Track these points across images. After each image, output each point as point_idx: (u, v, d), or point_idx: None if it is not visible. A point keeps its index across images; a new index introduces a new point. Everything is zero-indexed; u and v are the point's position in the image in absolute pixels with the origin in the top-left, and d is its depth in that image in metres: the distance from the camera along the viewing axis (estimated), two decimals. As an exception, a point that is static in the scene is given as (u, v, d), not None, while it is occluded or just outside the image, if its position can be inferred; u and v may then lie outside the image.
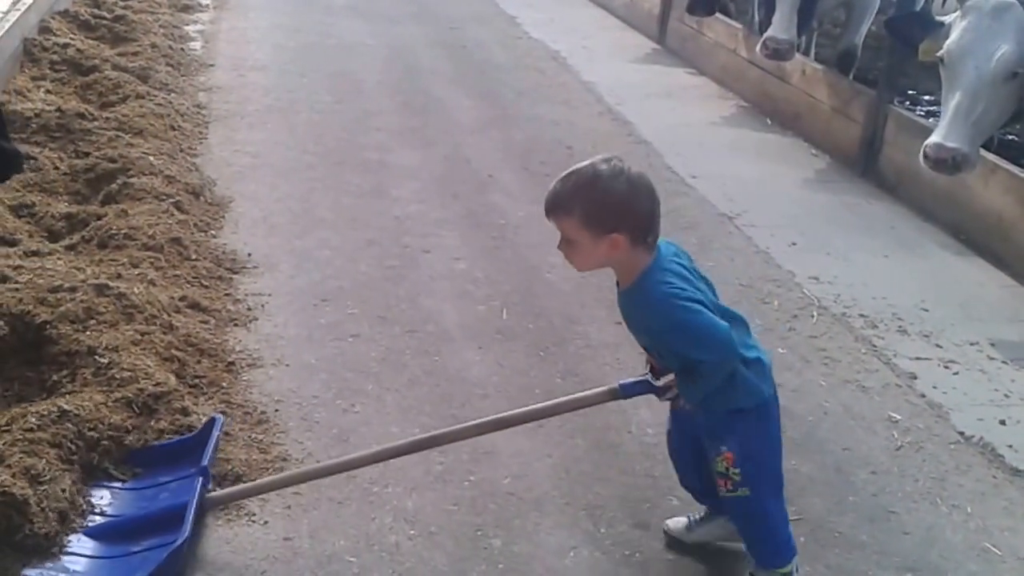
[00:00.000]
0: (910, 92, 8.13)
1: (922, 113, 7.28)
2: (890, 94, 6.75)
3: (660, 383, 3.02)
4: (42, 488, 3.10)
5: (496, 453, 3.70)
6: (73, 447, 3.34)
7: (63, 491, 3.17)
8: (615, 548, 3.31)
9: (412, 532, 3.31)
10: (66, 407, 3.45)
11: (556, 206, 2.85)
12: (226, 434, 3.61)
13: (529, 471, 3.64)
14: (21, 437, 3.26)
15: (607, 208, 2.79)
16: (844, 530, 3.48)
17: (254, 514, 3.32)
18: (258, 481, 3.38)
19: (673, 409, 3.18)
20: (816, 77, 7.48)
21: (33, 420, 3.35)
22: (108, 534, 3.17)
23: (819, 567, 3.30)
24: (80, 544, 3.11)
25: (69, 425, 3.37)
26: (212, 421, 3.47)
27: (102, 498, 3.31)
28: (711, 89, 8.77)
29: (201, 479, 3.22)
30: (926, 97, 8.00)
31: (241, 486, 3.36)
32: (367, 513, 3.37)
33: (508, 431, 3.67)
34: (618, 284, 3.01)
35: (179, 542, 2.97)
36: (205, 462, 3.28)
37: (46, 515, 3.06)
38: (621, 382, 3.10)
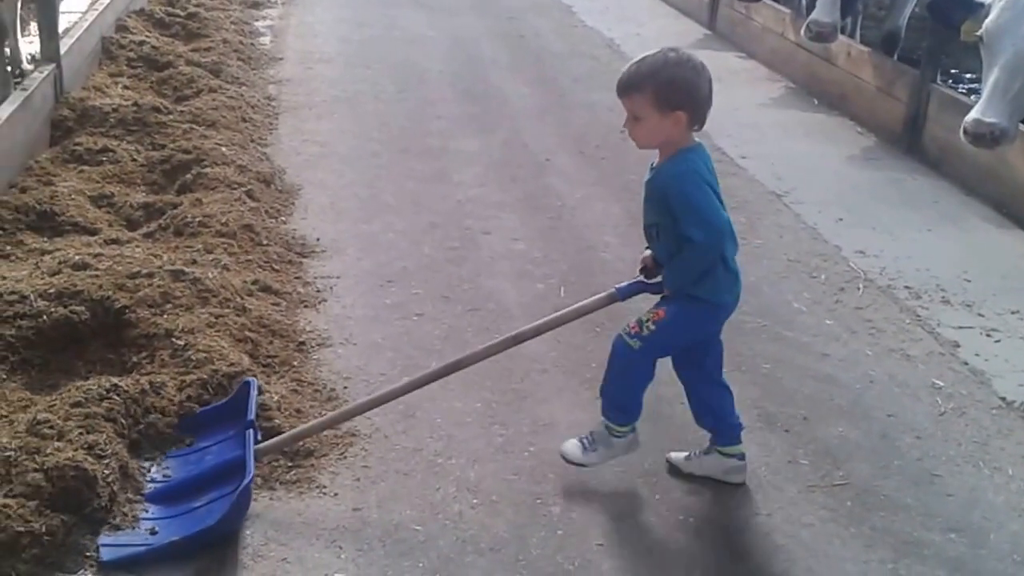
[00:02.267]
0: (952, 71, 8.10)
1: (964, 91, 7.26)
2: (933, 73, 6.77)
3: (652, 281, 3.34)
4: (104, 461, 3.21)
5: (555, 425, 3.80)
6: (124, 421, 3.46)
7: (122, 464, 3.30)
8: (669, 514, 3.40)
9: (475, 501, 3.40)
10: (118, 382, 3.56)
11: (629, 86, 3.21)
12: (297, 411, 3.72)
13: (586, 442, 3.76)
14: (77, 413, 3.38)
15: (675, 88, 3.16)
16: (889, 493, 3.54)
17: (325, 486, 3.41)
18: (298, 428, 3.50)
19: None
20: (861, 58, 7.51)
21: (79, 395, 3.47)
22: (167, 497, 3.31)
23: (864, 529, 3.36)
24: (143, 510, 3.25)
25: (117, 398, 3.49)
26: (247, 384, 3.56)
27: (153, 466, 3.45)
28: (760, 72, 8.79)
29: (251, 431, 3.34)
30: (967, 76, 7.96)
31: (284, 435, 3.47)
32: (432, 484, 3.47)
33: (567, 406, 3.89)
34: (652, 167, 3.33)
35: (247, 481, 3.10)
36: (251, 416, 3.39)
37: (111, 487, 3.18)
38: (617, 286, 3.39)
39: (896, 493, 3.56)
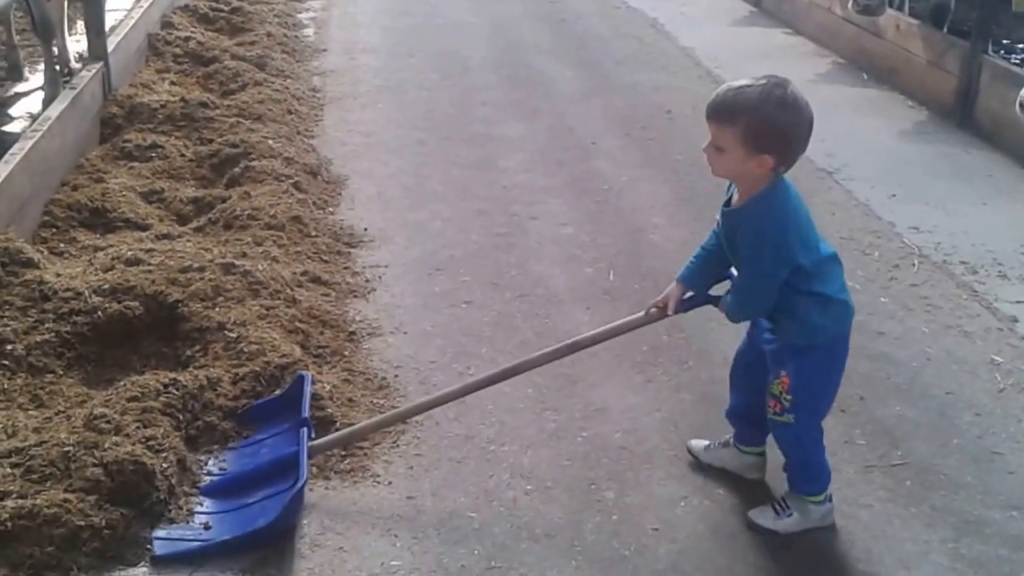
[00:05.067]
0: (1004, 41, 7.97)
1: (1017, 61, 7.16)
2: (984, 45, 6.66)
3: (713, 294, 3.20)
4: (162, 455, 3.25)
5: (607, 410, 3.79)
6: (181, 417, 3.50)
7: (180, 458, 3.33)
8: (725, 497, 3.38)
9: (529, 487, 3.40)
10: (177, 377, 3.60)
11: (720, 114, 2.92)
12: (349, 400, 3.73)
13: (639, 426, 3.71)
14: (134, 407, 3.42)
15: (771, 131, 2.87)
16: (949, 472, 3.51)
17: (379, 475, 3.43)
18: (353, 428, 3.50)
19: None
20: (910, 31, 7.41)
21: (136, 389, 3.51)
22: (221, 491, 3.33)
23: (924, 508, 3.33)
24: (198, 503, 3.28)
25: (174, 392, 3.53)
26: (300, 378, 3.59)
27: (209, 460, 3.47)
28: (808, 48, 8.70)
29: (305, 429, 3.35)
30: (1020, 46, 7.83)
31: (338, 433, 3.48)
32: (485, 471, 3.48)
33: (619, 390, 3.87)
34: (727, 203, 3.09)
35: (300, 484, 3.11)
36: (305, 414, 3.41)
37: (169, 481, 3.23)
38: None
39: (956, 471, 3.52)
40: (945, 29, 7.47)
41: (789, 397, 3.10)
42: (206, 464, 3.46)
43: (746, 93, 2.89)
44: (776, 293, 3.02)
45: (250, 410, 3.64)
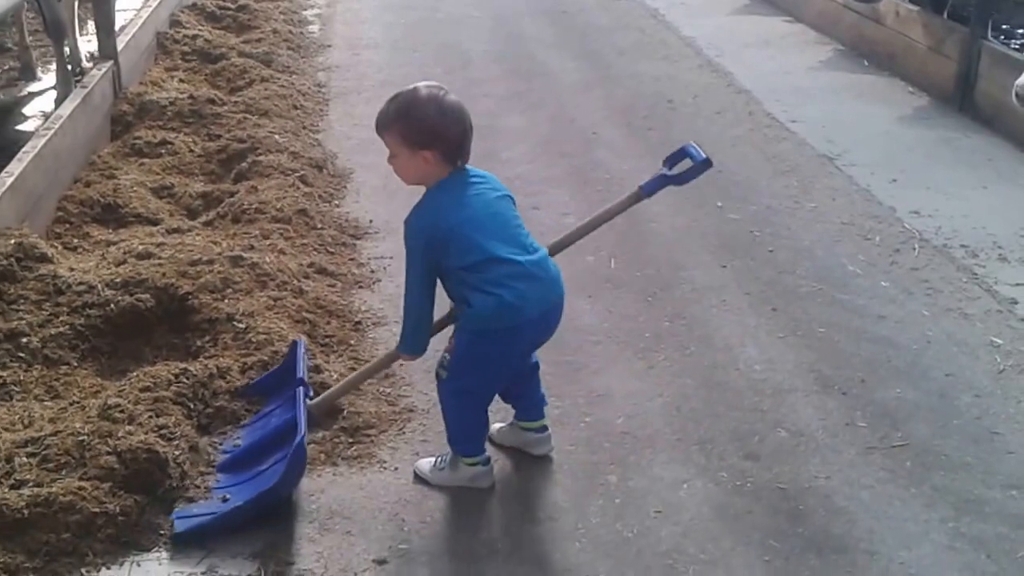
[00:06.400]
0: (1004, 27, 7.96)
1: (1016, 46, 7.16)
2: (983, 30, 6.67)
3: (674, 173, 3.39)
4: (174, 443, 3.34)
5: (609, 395, 3.82)
6: (192, 405, 3.58)
7: (192, 445, 3.42)
8: (727, 479, 3.40)
9: (533, 472, 3.44)
10: (187, 367, 3.68)
11: (380, 125, 3.30)
12: (356, 388, 3.75)
13: (641, 411, 3.74)
14: (147, 397, 3.51)
15: (421, 129, 3.20)
16: (949, 452, 3.53)
17: (385, 461, 3.47)
18: (347, 379, 3.60)
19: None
20: (910, 17, 7.43)
21: (148, 380, 3.59)
22: (237, 463, 3.41)
23: (925, 488, 3.36)
24: (215, 480, 3.36)
25: (185, 381, 3.62)
26: (295, 343, 3.70)
27: (224, 441, 3.55)
28: (808, 35, 8.72)
29: (301, 388, 3.43)
30: (1020, 31, 7.80)
31: (333, 388, 3.58)
32: (491, 456, 3.48)
33: (622, 376, 3.92)
34: None
35: (299, 439, 3.15)
36: (300, 374, 3.49)
37: (181, 468, 3.30)
38: (641, 184, 3.44)
39: (956, 452, 3.54)
40: (945, 15, 7.48)
41: (448, 358, 3.29)
42: (220, 445, 3.52)
43: (396, 102, 3.25)
44: (424, 303, 3.30)
45: (255, 385, 3.71)
